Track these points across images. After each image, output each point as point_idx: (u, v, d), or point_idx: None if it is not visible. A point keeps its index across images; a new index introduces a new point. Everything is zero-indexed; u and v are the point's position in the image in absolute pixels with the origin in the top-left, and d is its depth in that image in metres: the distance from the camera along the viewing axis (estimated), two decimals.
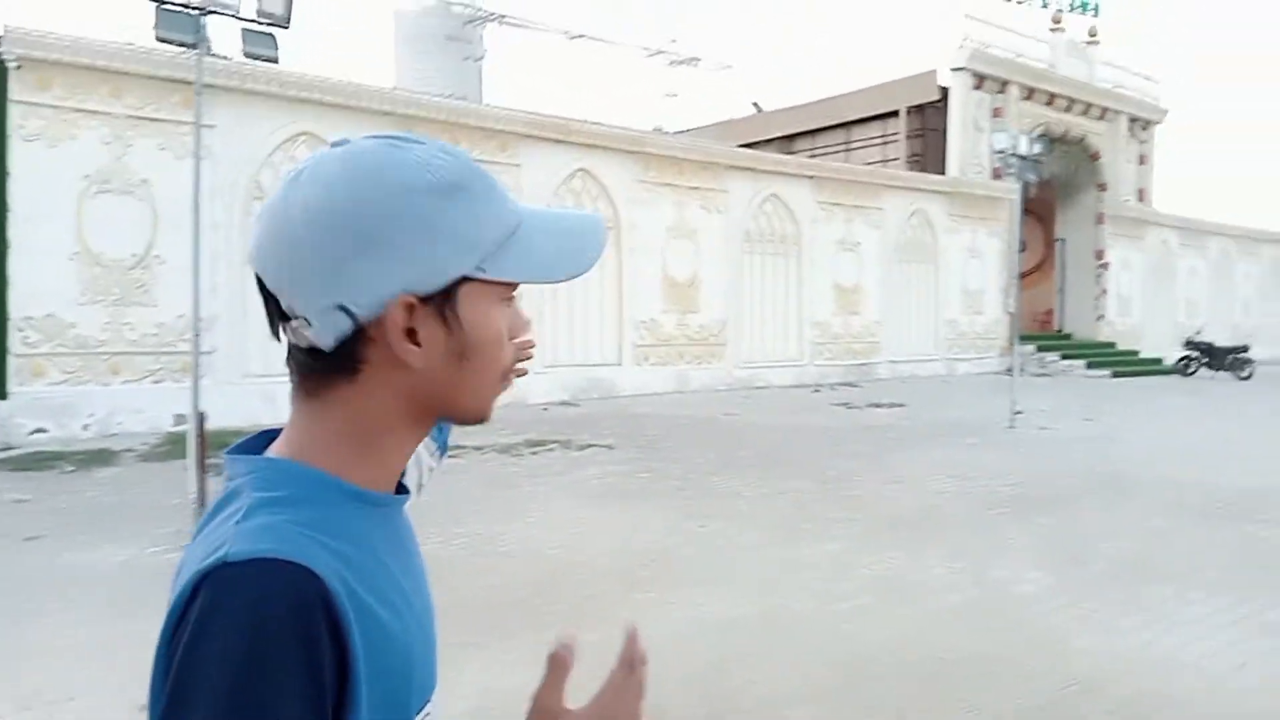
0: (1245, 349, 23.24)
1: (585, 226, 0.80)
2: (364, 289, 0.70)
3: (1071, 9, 24.69)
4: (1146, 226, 27.55)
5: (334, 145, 0.74)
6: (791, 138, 25.57)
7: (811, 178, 19.01)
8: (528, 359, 1.08)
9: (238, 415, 9.90)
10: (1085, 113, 25.07)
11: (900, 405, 15.69)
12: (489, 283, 0.74)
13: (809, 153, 24.44)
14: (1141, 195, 27.52)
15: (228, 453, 0.77)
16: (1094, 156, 25.50)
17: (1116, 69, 26.16)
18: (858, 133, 24.50)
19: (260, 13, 6.99)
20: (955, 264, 22.11)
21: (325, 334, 0.71)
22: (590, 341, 15.64)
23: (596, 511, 7.38)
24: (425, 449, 1.25)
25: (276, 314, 0.73)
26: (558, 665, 0.76)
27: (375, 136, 0.75)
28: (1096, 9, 25.11)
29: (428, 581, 0.83)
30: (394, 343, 0.72)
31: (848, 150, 24.53)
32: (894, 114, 23.16)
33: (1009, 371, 23.02)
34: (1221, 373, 22.82)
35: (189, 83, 7.78)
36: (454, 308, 0.73)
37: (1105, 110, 25.64)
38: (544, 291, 14.24)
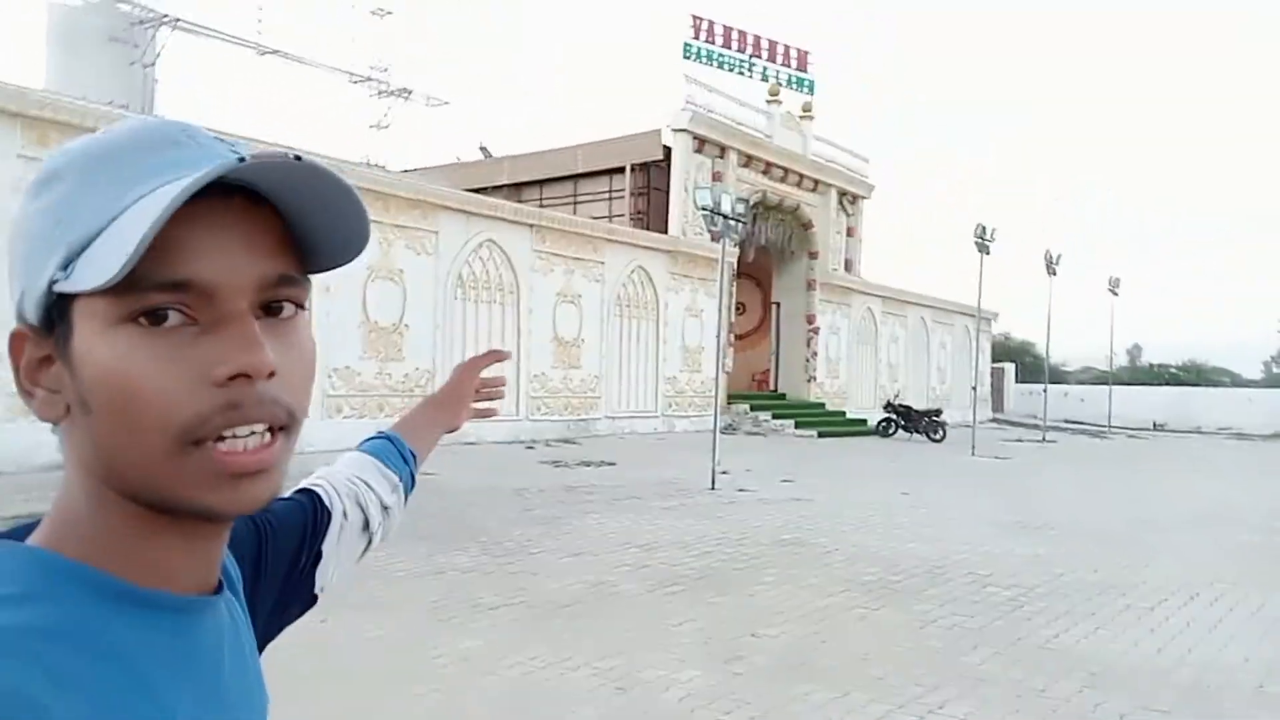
0: (939, 412, 24.92)
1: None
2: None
3: (789, 83, 25.93)
4: (853, 294, 29.25)
5: None
6: (519, 186, 24.97)
7: (531, 226, 18.35)
8: (251, 410, 0.59)
9: None
10: (799, 183, 26.29)
11: (610, 464, 15.14)
12: (110, 295, 0.54)
13: (537, 203, 23.90)
14: (849, 265, 29.21)
15: None
16: (806, 225, 26.76)
17: (828, 144, 27.73)
18: (585, 186, 24.28)
19: None
20: (676, 321, 22.19)
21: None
22: None
23: None
24: (383, 482, 1.07)
25: None
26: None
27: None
28: (811, 86, 26.54)
29: (259, 704, 0.68)
30: (17, 384, 0.60)
31: (575, 203, 24.22)
32: (620, 170, 23.12)
33: (719, 430, 23.43)
34: (917, 434, 24.30)
35: None
36: (72, 340, 0.57)
37: (818, 182, 27.04)
38: None
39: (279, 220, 0.59)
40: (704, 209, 12.23)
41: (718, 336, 12.76)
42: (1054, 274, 25.36)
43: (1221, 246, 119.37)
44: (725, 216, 12.13)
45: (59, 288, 0.55)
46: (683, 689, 4.69)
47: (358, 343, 15.05)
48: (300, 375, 0.61)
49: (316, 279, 0.66)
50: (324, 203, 0.59)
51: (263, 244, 0.58)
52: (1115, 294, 30.92)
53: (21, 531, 0.61)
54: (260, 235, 0.58)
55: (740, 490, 12.48)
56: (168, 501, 0.58)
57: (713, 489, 12.39)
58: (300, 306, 0.62)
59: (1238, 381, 47.52)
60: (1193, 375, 47.03)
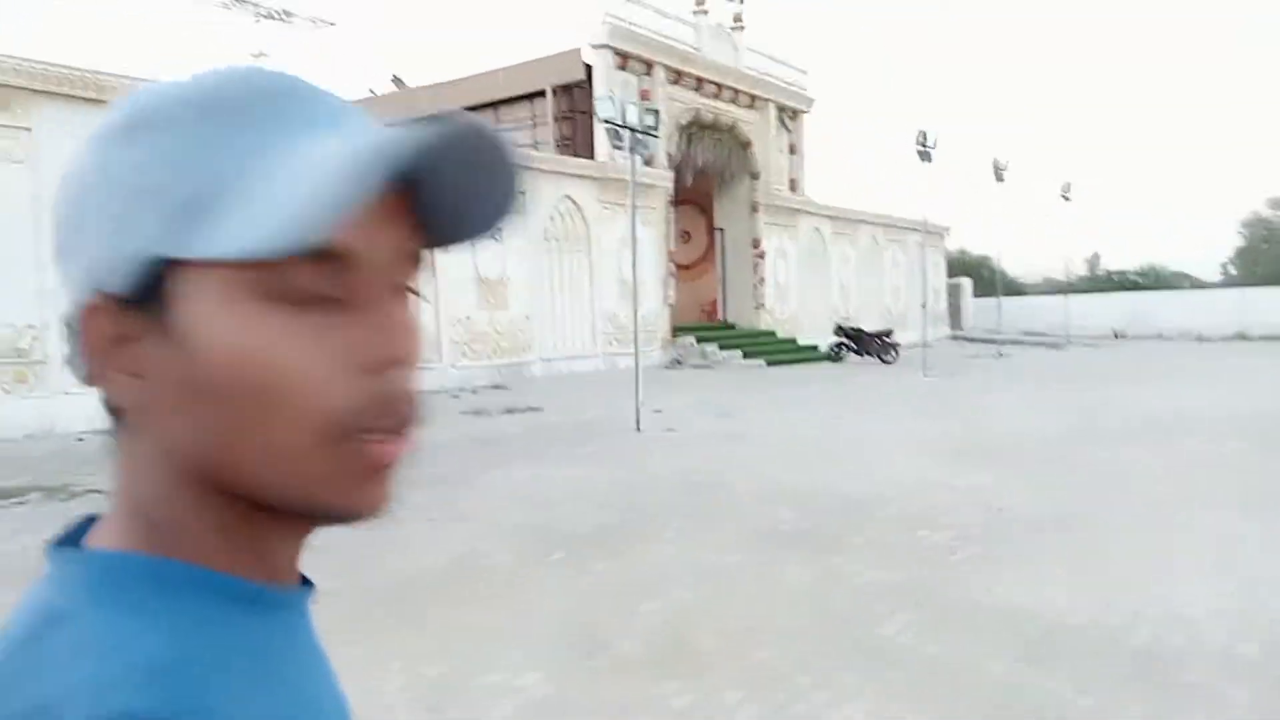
0: (890, 333, 24.08)
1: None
2: (68, 288, 0.50)
3: None
4: (799, 215, 28.14)
5: None
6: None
7: None
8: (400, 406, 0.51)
9: None
10: (734, 99, 24.97)
11: (536, 409, 14.10)
12: (238, 265, 0.45)
13: None
14: (793, 185, 28.06)
15: (52, 545, 0.51)
16: (745, 144, 25.52)
17: (763, 56, 26.34)
18: (507, 113, 22.81)
19: None
20: (610, 254, 20.99)
21: (70, 364, 0.51)
22: None
23: None
24: None
25: None
26: None
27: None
28: None
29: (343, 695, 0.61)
30: (86, 364, 0.49)
31: None
32: (542, 94, 21.68)
33: (666, 365, 22.46)
34: (869, 357, 23.49)
35: None
36: (174, 315, 0.47)
37: (754, 98, 25.72)
38: None
39: (409, 186, 0.50)
40: (607, 122, 11.03)
41: (633, 267, 11.60)
42: (1001, 180, 24.40)
43: (1177, 150, 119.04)
44: (632, 130, 10.94)
45: (177, 253, 0.46)
46: (514, 700, 3.70)
47: None
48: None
49: None
50: (474, 170, 0.50)
51: (400, 213, 0.50)
52: (1067, 199, 30.10)
53: (76, 534, 0.52)
54: (396, 202, 0.49)
55: (668, 430, 11.50)
56: (300, 501, 0.49)
57: (638, 430, 11.41)
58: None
59: (1197, 285, 47.22)
60: (1151, 280, 46.65)
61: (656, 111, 11.94)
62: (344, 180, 0.43)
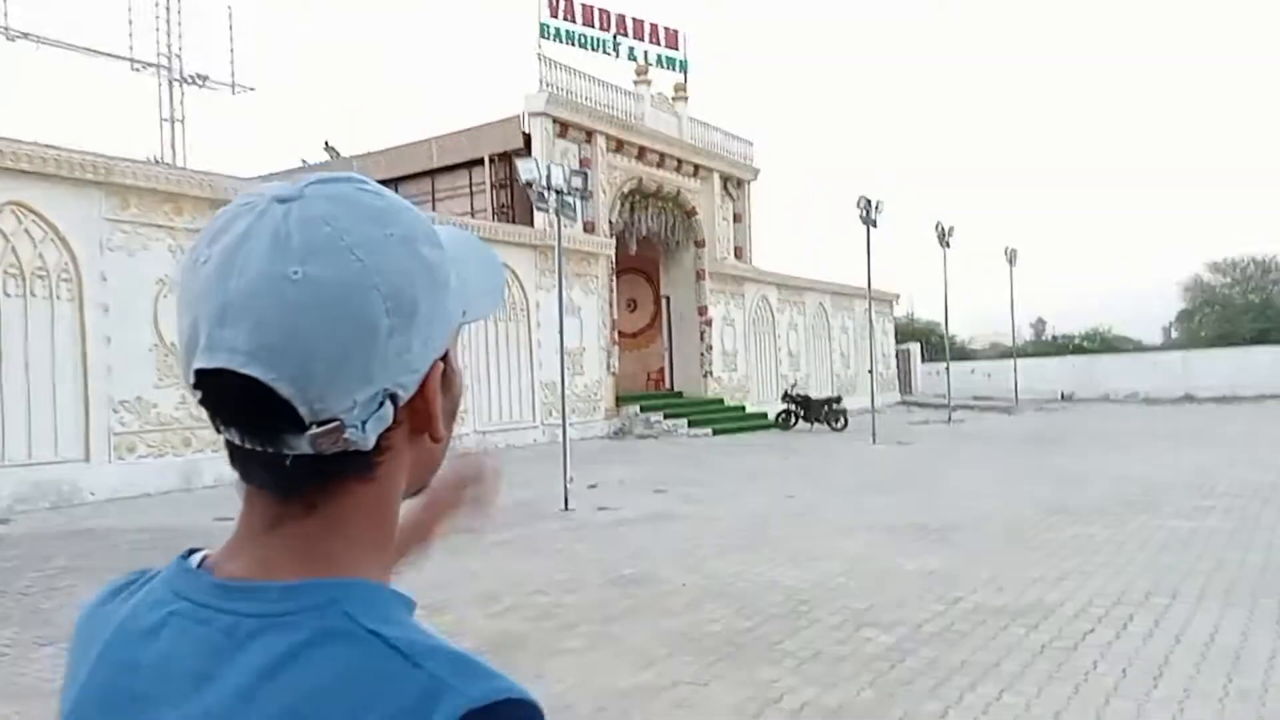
0: (839, 400, 23.52)
1: (479, 245, 0.74)
2: (406, 367, 0.61)
3: (659, 63, 24.25)
4: (745, 283, 27.73)
5: (283, 200, 0.60)
6: None
7: None
8: None
9: None
10: (678, 168, 24.64)
11: None
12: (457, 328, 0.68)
13: None
14: (739, 252, 27.68)
15: (238, 589, 0.62)
16: (690, 212, 25.13)
17: (707, 127, 26.14)
18: (444, 182, 22.21)
19: None
20: (550, 322, 20.21)
21: (370, 430, 0.60)
22: (39, 430, 11.61)
23: None
24: None
25: (280, 424, 0.59)
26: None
27: (328, 179, 0.63)
28: (684, 65, 24.91)
29: None
30: (434, 418, 0.65)
31: (434, 201, 22.13)
32: (480, 162, 21.11)
33: (609, 435, 21.63)
34: (818, 424, 22.86)
35: None
36: (450, 363, 0.67)
37: (698, 167, 25.43)
38: None
39: None
40: (528, 185, 10.37)
41: (560, 334, 10.85)
42: (947, 245, 24.20)
43: (1118, 214, 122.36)
44: (558, 192, 10.27)
45: (464, 321, 0.67)
46: None
47: (151, 368, 12.75)
48: None
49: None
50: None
51: None
52: (1012, 264, 30.11)
53: (329, 588, 0.61)
54: None
55: (600, 509, 10.64)
56: (426, 488, 0.72)
57: (566, 509, 10.53)
58: None
59: (1140, 348, 47.66)
60: (1096, 344, 46.98)
61: (585, 174, 11.32)
62: (500, 290, 0.74)
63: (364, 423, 0.59)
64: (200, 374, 0.59)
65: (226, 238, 0.59)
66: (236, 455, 0.62)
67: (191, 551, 0.67)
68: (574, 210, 11.06)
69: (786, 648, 5.25)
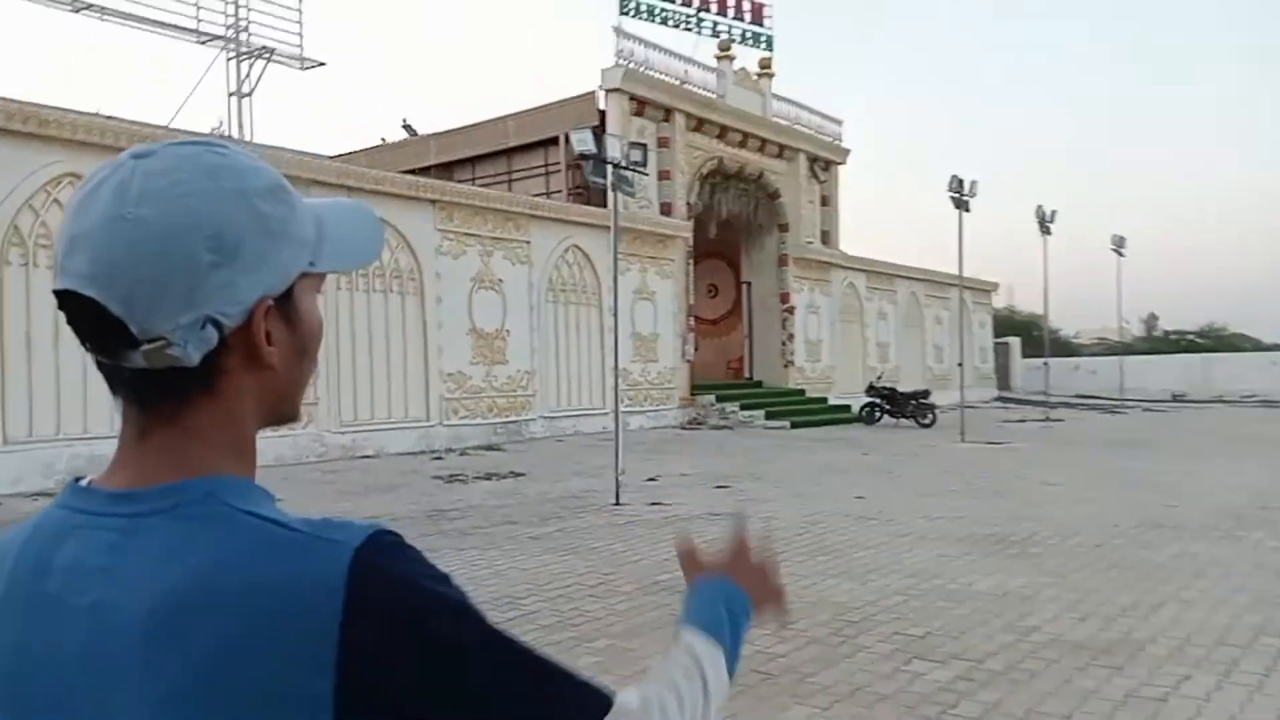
0: (927, 394, 22.38)
1: (361, 209, 0.85)
2: (230, 298, 0.71)
3: (743, 39, 23.37)
4: (831, 269, 26.68)
5: (138, 156, 0.71)
6: (449, 166, 22.49)
7: (433, 202, 15.91)
8: None
9: None
10: (761, 149, 23.75)
11: (520, 475, 12.75)
12: (311, 275, 0.77)
13: (470, 182, 21.44)
14: (825, 237, 26.63)
15: (126, 495, 0.73)
16: (773, 195, 24.23)
17: (793, 105, 25.14)
18: (519, 161, 21.80)
19: None
20: (623, 306, 19.65)
21: (192, 350, 0.70)
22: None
23: None
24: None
25: (117, 341, 0.70)
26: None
27: (182, 142, 0.74)
28: (770, 41, 23.96)
29: None
30: (259, 346, 0.73)
31: (510, 180, 21.75)
32: (555, 141, 20.62)
33: (682, 425, 20.98)
34: (905, 419, 21.79)
35: None
36: (295, 304, 0.76)
37: (783, 147, 24.49)
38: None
39: None
40: (583, 157, 9.78)
41: (614, 315, 10.25)
42: (1048, 233, 22.73)
43: (1232, 203, 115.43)
44: (617, 165, 9.65)
45: (312, 270, 0.77)
46: None
47: None
48: None
49: None
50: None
51: None
52: (1121, 254, 28.29)
53: (212, 481, 0.73)
54: None
55: (652, 504, 10.04)
56: (294, 417, 0.82)
57: (617, 504, 9.96)
58: None
59: (1259, 346, 44.69)
60: (1211, 341, 44.22)
61: (644, 148, 10.67)
62: (377, 245, 0.84)
63: (187, 343, 0.69)
64: (58, 296, 0.70)
65: (89, 185, 0.71)
66: (103, 371, 0.73)
67: (79, 479, 0.76)
68: (631, 186, 10.42)
69: (821, 681, 4.56)
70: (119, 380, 0.72)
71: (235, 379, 0.73)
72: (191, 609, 0.64)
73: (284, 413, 0.79)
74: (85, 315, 0.69)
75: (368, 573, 0.65)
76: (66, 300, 0.69)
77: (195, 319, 0.68)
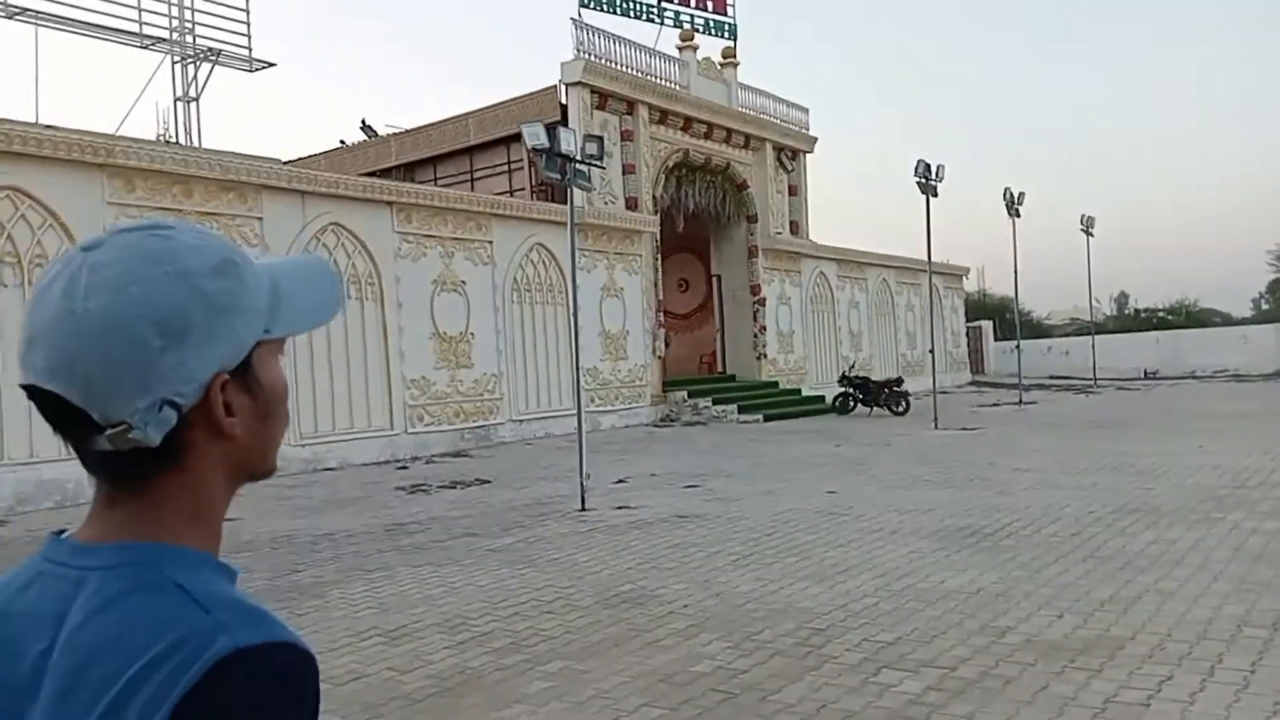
0: (900, 382, 22.23)
1: (317, 267, 0.86)
2: (183, 378, 0.73)
3: (706, 28, 23.09)
4: (801, 259, 26.47)
5: (86, 249, 0.75)
6: (411, 166, 22.09)
7: (390, 203, 15.53)
8: None
9: None
10: (727, 139, 23.49)
11: (485, 482, 12.41)
12: (270, 341, 0.79)
13: (432, 183, 21.05)
14: (795, 228, 26.42)
15: (85, 549, 0.77)
16: (741, 186, 23.98)
17: (758, 94, 24.89)
18: (482, 160, 21.44)
19: None
20: (589, 304, 19.37)
21: (153, 431, 0.72)
22: (40, 427, 11.11)
23: None
24: None
25: (82, 427, 0.73)
26: None
27: (128, 229, 0.76)
28: (733, 30, 23.69)
29: None
30: (218, 419, 0.76)
31: (473, 179, 21.38)
32: (517, 137, 20.23)
33: (654, 422, 20.71)
34: (878, 408, 21.63)
35: None
36: (253, 372, 0.79)
37: (749, 137, 24.23)
38: None
39: None
40: (535, 150, 9.47)
41: (573, 314, 9.95)
42: (1017, 215, 22.63)
43: (1201, 181, 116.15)
44: (573, 160, 9.34)
45: (268, 337, 0.79)
46: None
47: None
48: None
49: None
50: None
51: None
52: (1090, 234, 28.27)
53: (145, 547, 0.76)
54: None
55: (619, 508, 9.76)
56: (274, 467, 0.85)
57: (582, 510, 9.67)
58: None
59: (1229, 321, 44.96)
60: (1181, 318, 44.43)
61: (600, 139, 10.37)
62: (336, 303, 0.86)
63: (147, 425, 0.72)
64: (24, 389, 0.74)
65: (43, 281, 0.74)
66: (76, 452, 0.76)
67: (62, 531, 0.80)
68: (589, 180, 10.11)
69: (786, 697, 4.30)
70: (89, 459, 0.75)
71: (199, 451, 0.76)
72: (93, 665, 0.68)
73: (256, 472, 0.82)
74: (50, 405, 0.73)
75: (228, 673, 0.66)
76: (32, 393, 0.73)
77: (152, 402, 0.71)
